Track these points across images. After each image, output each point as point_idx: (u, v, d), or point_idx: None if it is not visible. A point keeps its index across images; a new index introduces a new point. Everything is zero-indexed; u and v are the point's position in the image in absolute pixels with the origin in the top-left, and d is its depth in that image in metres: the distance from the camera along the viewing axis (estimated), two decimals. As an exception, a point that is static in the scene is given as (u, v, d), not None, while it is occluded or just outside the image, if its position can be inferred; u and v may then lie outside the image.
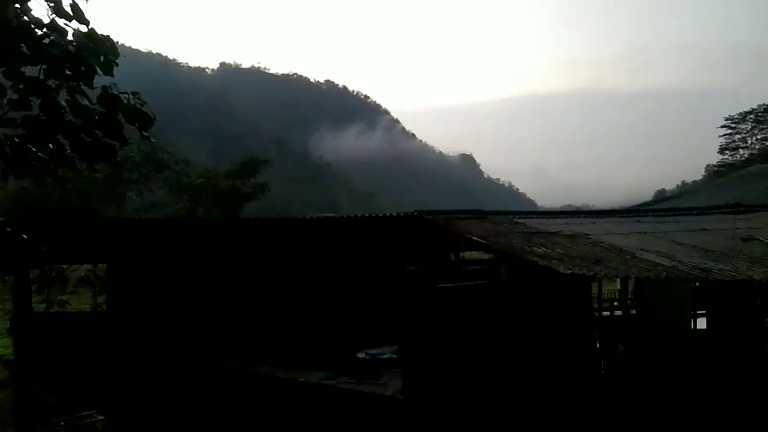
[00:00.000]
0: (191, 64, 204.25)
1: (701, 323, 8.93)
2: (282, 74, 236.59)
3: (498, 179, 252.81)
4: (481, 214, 9.35)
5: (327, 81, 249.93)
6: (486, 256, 9.74)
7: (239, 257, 11.84)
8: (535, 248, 6.98)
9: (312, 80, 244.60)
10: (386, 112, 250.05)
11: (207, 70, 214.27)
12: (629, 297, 10.60)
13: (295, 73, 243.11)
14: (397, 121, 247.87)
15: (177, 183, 17.73)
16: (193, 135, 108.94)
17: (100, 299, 13.12)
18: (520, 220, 9.37)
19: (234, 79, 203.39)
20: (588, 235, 8.32)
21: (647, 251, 7.40)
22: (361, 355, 10.52)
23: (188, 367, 11.08)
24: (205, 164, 28.28)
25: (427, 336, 7.94)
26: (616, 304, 11.37)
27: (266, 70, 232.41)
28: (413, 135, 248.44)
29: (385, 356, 10.33)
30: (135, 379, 11.03)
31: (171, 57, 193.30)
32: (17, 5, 4.71)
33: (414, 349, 8.48)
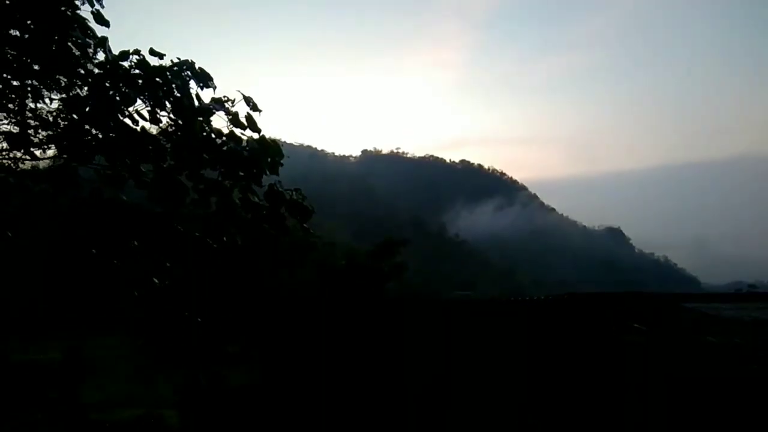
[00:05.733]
0: (336, 153, 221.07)
1: None
2: (419, 157, 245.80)
3: (652, 254, 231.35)
4: (640, 297, 8.61)
5: (462, 161, 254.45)
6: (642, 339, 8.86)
7: (382, 339, 11.96)
8: (708, 338, 6.21)
9: (447, 161, 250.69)
10: (523, 188, 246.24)
11: (350, 157, 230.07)
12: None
13: (431, 155, 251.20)
14: (535, 196, 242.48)
15: (324, 264, 18.94)
16: (338, 218, 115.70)
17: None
18: (687, 304, 8.46)
19: (375, 164, 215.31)
20: (773, 322, 7.25)
21: None
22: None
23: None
24: (349, 245, 29.81)
25: None
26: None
27: (404, 154, 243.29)
28: (553, 209, 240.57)
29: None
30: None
31: (319, 148, 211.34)
32: (201, 119, 5.48)
33: None
